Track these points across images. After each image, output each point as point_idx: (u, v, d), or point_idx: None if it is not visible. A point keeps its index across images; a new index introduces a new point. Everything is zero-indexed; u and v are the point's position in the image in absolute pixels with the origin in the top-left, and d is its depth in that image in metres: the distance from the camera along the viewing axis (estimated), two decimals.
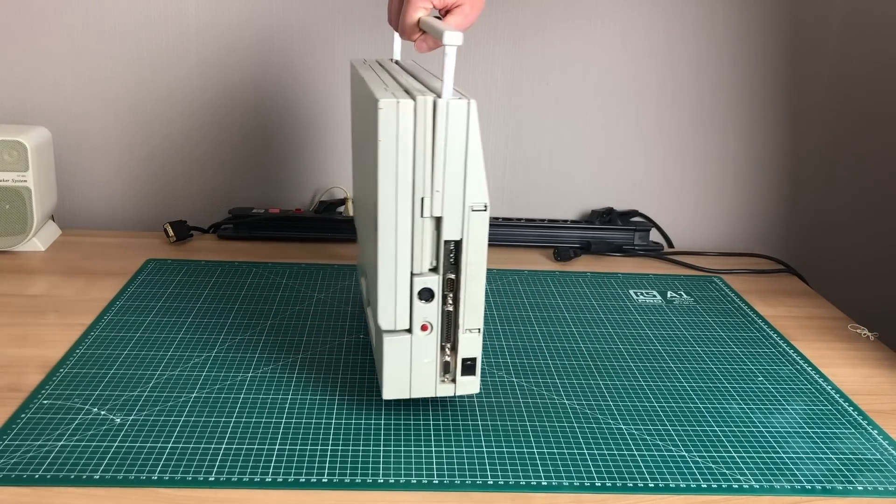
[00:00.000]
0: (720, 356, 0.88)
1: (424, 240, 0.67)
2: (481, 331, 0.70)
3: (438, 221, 0.66)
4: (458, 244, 0.67)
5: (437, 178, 0.65)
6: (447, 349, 0.71)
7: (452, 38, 0.63)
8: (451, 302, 0.69)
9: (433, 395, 0.71)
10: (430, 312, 0.69)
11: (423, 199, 0.65)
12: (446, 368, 0.71)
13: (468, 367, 0.71)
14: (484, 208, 0.66)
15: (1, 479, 0.61)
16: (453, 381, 0.71)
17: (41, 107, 1.18)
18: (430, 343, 0.70)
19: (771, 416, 0.76)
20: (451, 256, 0.68)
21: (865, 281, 1.33)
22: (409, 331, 0.69)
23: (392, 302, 0.68)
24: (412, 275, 0.68)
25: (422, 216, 0.66)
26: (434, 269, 0.68)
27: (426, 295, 0.68)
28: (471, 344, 0.70)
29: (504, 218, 1.21)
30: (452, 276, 0.68)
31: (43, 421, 0.69)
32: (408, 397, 0.72)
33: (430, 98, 0.63)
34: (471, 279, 0.68)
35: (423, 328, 0.69)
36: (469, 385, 0.71)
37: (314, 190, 1.24)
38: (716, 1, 1.19)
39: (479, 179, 0.65)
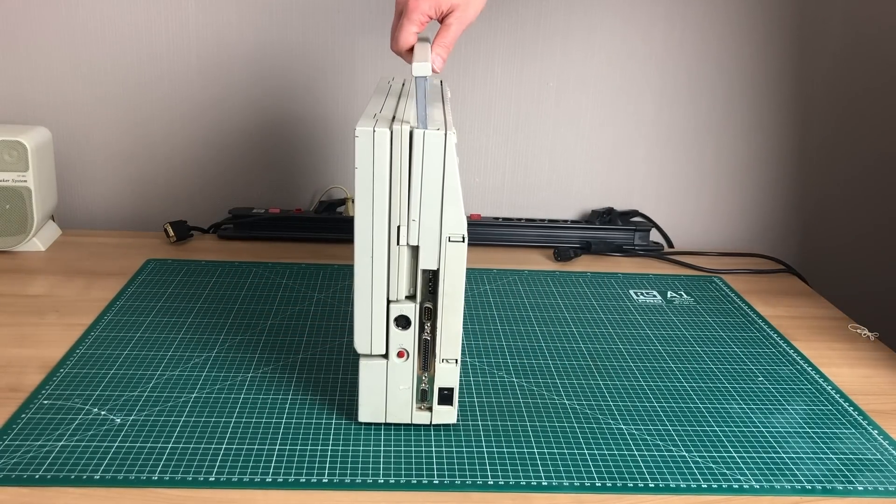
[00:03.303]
0: (720, 356, 0.88)
1: (401, 268, 0.67)
2: (458, 362, 0.69)
3: (416, 250, 0.66)
4: (435, 273, 0.67)
5: (413, 208, 0.65)
6: (424, 377, 0.70)
7: (419, 69, 0.65)
8: (428, 331, 0.69)
9: (409, 422, 0.71)
10: (407, 340, 0.69)
11: (399, 227, 0.66)
12: (423, 396, 0.71)
13: (445, 396, 0.70)
14: (462, 239, 0.66)
15: (1, 479, 0.61)
16: (430, 409, 0.71)
17: (41, 107, 1.18)
18: (406, 370, 0.70)
19: (771, 416, 0.76)
20: (429, 285, 0.68)
21: (865, 281, 1.33)
22: (386, 356, 0.69)
23: (368, 327, 0.68)
24: (388, 301, 0.68)
25: (398, 244, 0.66)
26: (411, 297, 0.68)
27: (403, 322, 0.68)
28: (447, 374, 0.70)
29: (504, 218, 1.21)
30: (430, 305, 0.68)
31: (43, 421, 0.69)
32: (383, 422, 0.71)
33: (406, 128, 0.63)
34: (447, 309, 0.68)
35: (400, 355, 0.69)
36: (446, 415, 0.71)
37: (314, 190, 1.24)
38: (716, 1, 1.19)
39: (456, 210, 0.65)
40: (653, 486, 0.65)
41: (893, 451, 0.72)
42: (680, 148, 1.26)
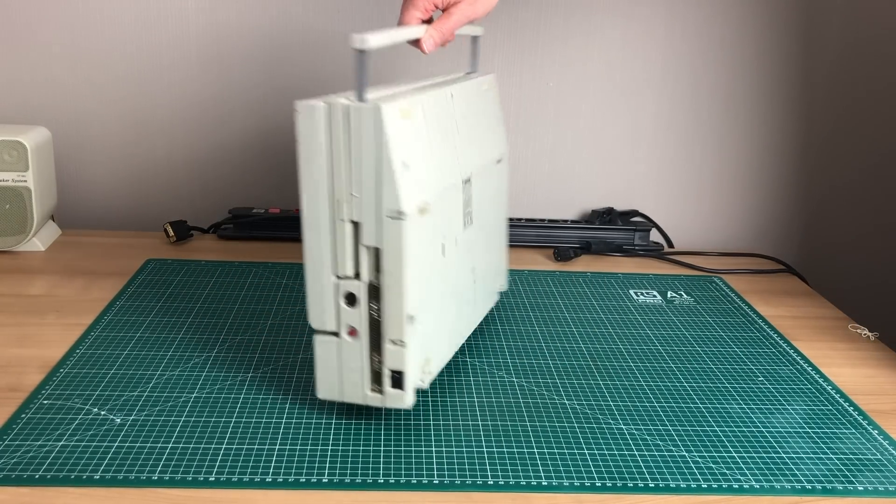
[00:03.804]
0: (720, 356, 0.88)
1: (345, 244, 0.67)
2: (406, 344, 0.67)
3: (358, 226, 0.67)
4: (378, 251, 0.67)
5: (354, 183, 0.65)
6: (377, 358, 0.69)
7: (357, 41, 0.64)
8: (375, 310, 0.68)
9: (363, 403, 0.70)
10: (355, 318, 0.68)
11: (339, 202, 0.66)
12: (377, 378, 0.70)
13: (396, 379, 0.69)
14: (398, 215, 0.65)
15: (1, 479, 0.61)
16: (382, 392, 0.70)
17: (41, 107, 1.18)
18: (355, 349, 0.69)
19: (771, 416, 0.76)
20: (376, 263, 0.67)
21: (865, 281, 1.33)
22: (337, 334, 0.69)
23: (319, 302, 0.68)
24: (338, 277, 0.68)
25: (341, 220, 0.66)
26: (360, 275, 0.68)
27: (350, 299, 0.68)
28: (395, 356, 0.68)
29: None
30: (377, 284, 0.68)
31: (43, 421, 0.69)
32: (339, 400, 0.71)
33: (341, 102, 0.64)
34: (389, 289, 0.67)
35: (351, 333, 0.69)
36: (398, 399, 0.69)
37: None
38: (716, 1, 1.19)
39: (394, 187, 0.64)
40: (653, 486, 0.65)
41: (893, 451, 0.72)
42: (680, 148, 1.26)
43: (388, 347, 0.68)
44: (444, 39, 0.78)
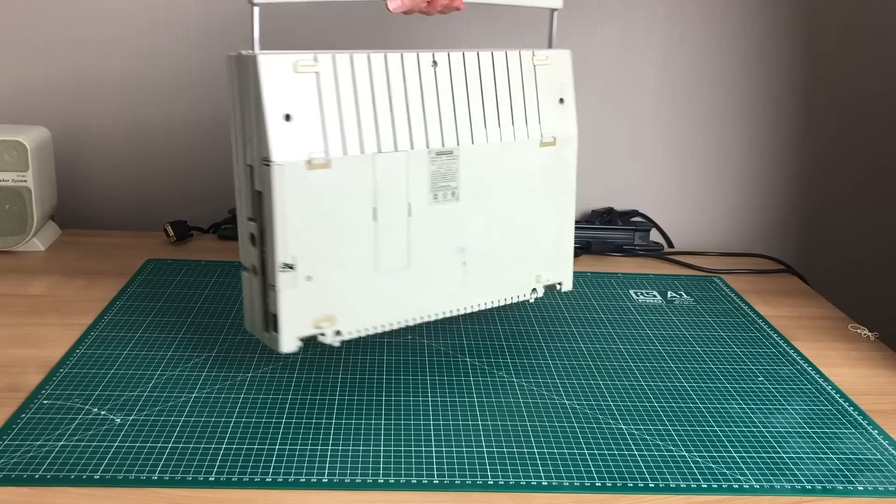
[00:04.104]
0: (720, 356, 0.88)
1: (244, 187, 0.72)
2: (278, 290, 0.70)
3: (252, 171, 0.71)
4: (262, 196, 0.70)
5: (247, 130, 0.70)
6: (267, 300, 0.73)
7: None
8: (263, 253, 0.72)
9: (264, 343, 0.74)
10: (256, 258, 0.72)
11: (242, 147, 0.71)
12: (270, 319, 0.73)
13: (274, 322, 0.72)
14: (269, 164, 0.68)
15: (1, 479, 0.61)
16: (268, 333, 0.73)
17: (41, 107, 1.18)
18: (257, 287, 0.72)
19: (771, 416, 0.76)
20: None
21: (865, 281, 1.33)
22: (247, 270, 0.73)
23: (241, 239, 0.74)
24: (248, 218, 0.72)
25: (243, 163, 0.71)
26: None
27: (252, 240, 0.72)
28: (272, 300, 0.71)
29: None
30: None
31: (43, 421, 0.69)
32: (253, 334, 0.75)
33: (236, 54, 0.69)
34: (266, 234, 0.70)
35: (255, 271, 0.72)
36: (273, 341, 0.72)
37: None
38: (716, 2, 1.19)
39: (267, 136, 0.68)
40: (653, 486, 0.65)
41: (893, 451, 0.72)
42: (680, 148, 1.26)
43: (268, 291, 0.72)
44: (412, 1, 0.76)
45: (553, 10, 0.85)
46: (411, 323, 0.79)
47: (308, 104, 0.70)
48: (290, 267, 0.70)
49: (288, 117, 0.69)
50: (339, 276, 0.73)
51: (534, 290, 0.86)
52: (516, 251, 0.84)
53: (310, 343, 0.73)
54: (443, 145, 0.77)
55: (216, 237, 1.16)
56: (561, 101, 0.84)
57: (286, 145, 0.68)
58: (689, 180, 1.27)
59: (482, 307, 0.84)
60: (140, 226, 1.22)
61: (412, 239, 0.77)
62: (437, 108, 0.77)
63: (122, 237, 1.15)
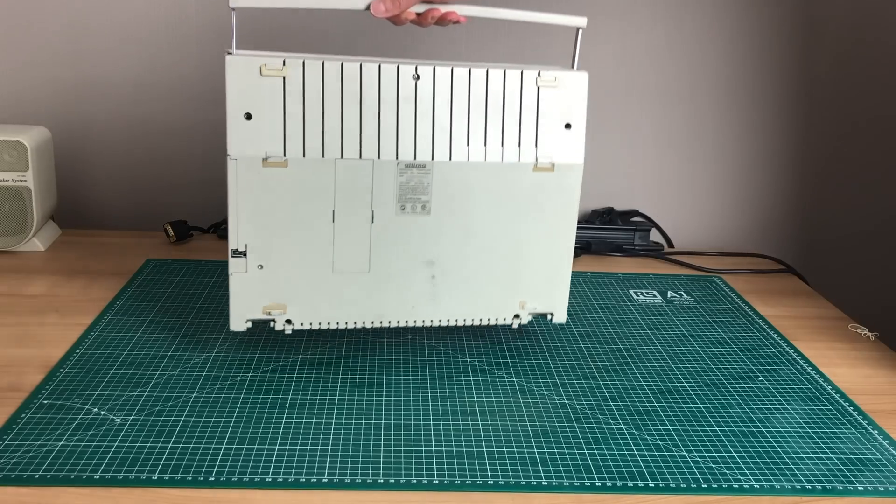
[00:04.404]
0: (720, 356, 0.88)
1: (228, 175, 0.76)
2: (230, 273, 0.77)
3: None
4: None
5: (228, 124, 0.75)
6: None
7: (234, 2, 0.72)
8: None
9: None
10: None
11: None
12: None
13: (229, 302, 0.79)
14: (228, 156, 0.73)
15: (1, 479, 0.61)
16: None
17: (41, 107, 1.18)
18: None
19: (771, 416, 0.76)
20: None
21: (865, 281, 1.33)
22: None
23: None
24: None
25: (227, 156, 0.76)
26: None
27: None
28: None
29: None
30: None
31: (43, 421, 0.69)
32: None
33: (228, 53, 0.74)
34: (227, 222, 0.76)
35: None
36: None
37: None
38: (716, 2, 1.19)
39: (228, 131, 0.73)
40: (653, 486, 0.65)
41: (893, 451, 0.72)
42: (680, 148, 1.26)
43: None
44: (396, 8, 0.75)
45: (578, 29, 0.82)
46: (369, 326, 0.81)
47: (271, 105, 0.74)
48: (242, 254, 0.76)
49: (249, 116, 0.73)
50: (291, 268, 0.78)
51: (516, 316, 0.84)
52: (496, 274, 0.82)
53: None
54: (414, 158, 0.78)
55: (216, 237, 1.16)
56: (567, 126, 0.80)
57: (243, 142, 0.74)
58: (689, 180, 1.27)
59: (454, 324, 0.83)
60: (140, 226, 1.22)
61: (374, 245, 0.79)
62: (414, 120, 0.77)
63: (122, 237, 1.15)
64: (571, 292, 1.02)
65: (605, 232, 1.19)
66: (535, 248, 0.82)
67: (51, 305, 0.91)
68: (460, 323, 0.83)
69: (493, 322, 0.84)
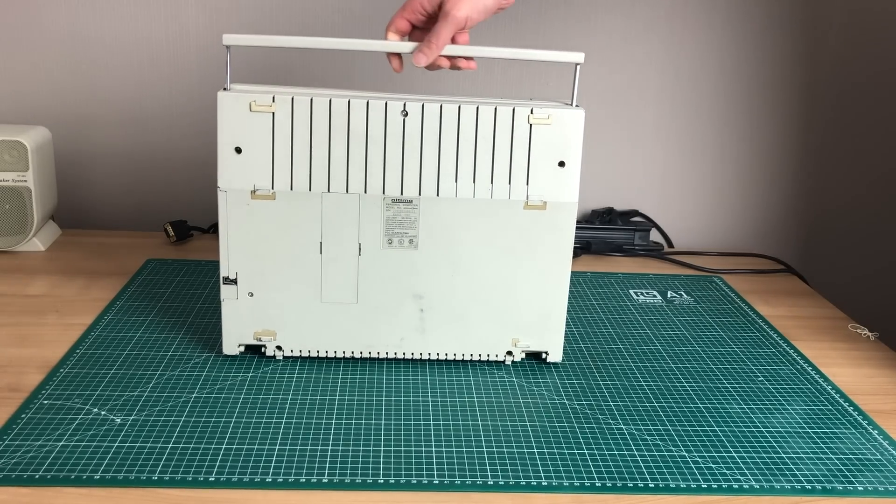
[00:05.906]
0: (720, 356, 0.88)
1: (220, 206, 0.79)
2: (222, 300, 0.80)
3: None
4: None
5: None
6: None
7: (225, 39, 0.75)
8: None
9: None
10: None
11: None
12: None
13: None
14: (217, 188, 0.76)
15: (1, 479, 0.61)
16: None
17: (41, 107, 1.18)
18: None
19: (771, 416, 0.76)
20: None
21: (865, 281, 1.33)
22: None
23: None
24: None
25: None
26: None
27: None
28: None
29: None
30: None
31: (43, 421, 0.69)
32: None
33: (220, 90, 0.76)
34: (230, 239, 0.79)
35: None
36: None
37: None
38: (717, 2, 1.19)
39: (218, 163, 0.76)
40: (653, 486, 0.65)
41: (893, 451, 0.72)
42: (680, 148, 1.26)
43: None
44: (431, 51, 0.76)
45: (576, 65, 0.79)
46: (358, 356, 0.82)
47: (259, 140, 0.76)
48: (233, 281, 0.79)
49: (238, 150, 0.76)
50: (279, 296, 0.79)
51: (509, 352, 0.83)
52: (486, 310, 0.81)
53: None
54: (401, 193, 0.78)
55: (216, 237, 1.16)
56: (561, 164, 0.78)
57: (233, 174, 0.76)
58: (689, 180, 1.27)
59: (444, 357, 0.83)
60: (140, 226, 1.22)
61: (362, 277, 0.79)
62: (402, 156, 0.77)
63: (122, 237, 1.15)
64: (571, 292, 1.02)
65: (605, 232, 1.19)
66: (528, 286, 0.81)
67: (51, 305, 0.91)
68: (450, 357, 0.83)
69: (484, 358, 0.83)
